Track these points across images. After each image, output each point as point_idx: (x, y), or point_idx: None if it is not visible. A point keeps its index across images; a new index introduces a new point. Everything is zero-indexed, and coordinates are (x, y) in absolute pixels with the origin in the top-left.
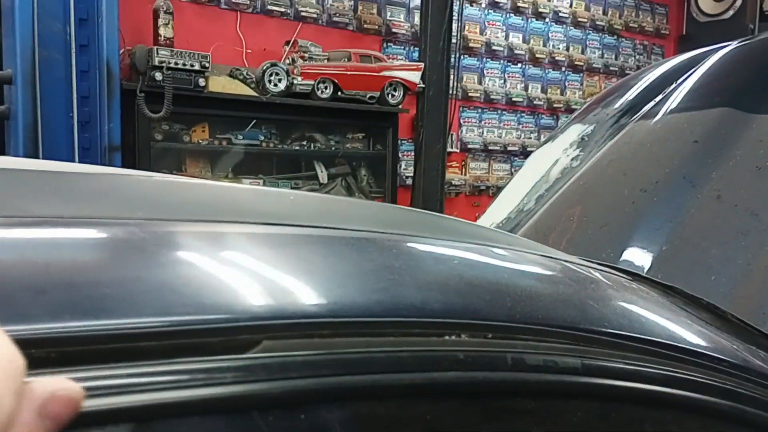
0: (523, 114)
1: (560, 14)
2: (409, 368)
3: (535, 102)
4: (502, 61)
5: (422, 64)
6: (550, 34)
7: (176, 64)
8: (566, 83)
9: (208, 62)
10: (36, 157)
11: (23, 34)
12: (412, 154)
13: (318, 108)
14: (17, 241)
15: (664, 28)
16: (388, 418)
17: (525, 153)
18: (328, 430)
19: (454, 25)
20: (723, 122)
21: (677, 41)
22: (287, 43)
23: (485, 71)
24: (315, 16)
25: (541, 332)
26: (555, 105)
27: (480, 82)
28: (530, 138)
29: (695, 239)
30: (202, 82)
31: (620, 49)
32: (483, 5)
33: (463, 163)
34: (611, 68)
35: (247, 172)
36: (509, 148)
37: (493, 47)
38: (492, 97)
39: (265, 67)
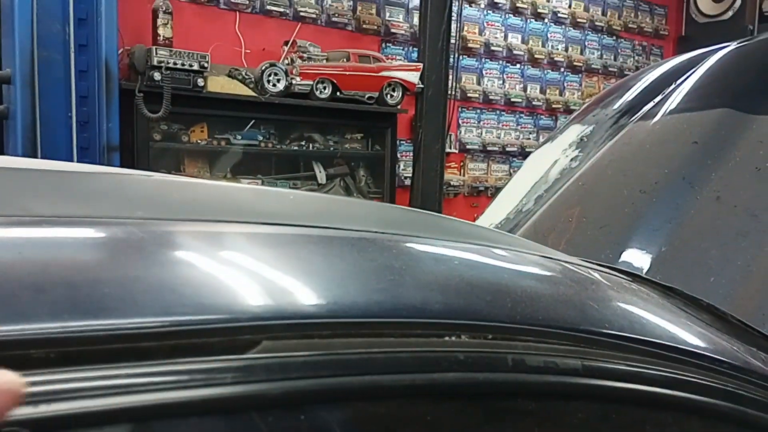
0: (521, 114)
1: (559, 15)
2: (409, 369)
3: (533, 102)
4: (500, 62)
5: (421, 65)
6: (548, 35)
7: (175, 64)
8: (565, 84)
9: (207, 62)
10: (35, 156)
11: (22, 33)
12: (411, 154)
13: (317, 108)
14: (17, 241)
15: (663, 29)
16: (388, 418)
17: (524, 153)
18: (327, 430)
19: (453, 26)
20: (722, 123)
21: (676, 42)
22: (286, 43)
23: (484, 72)
24: (314, 16)
25: (541, 333)
26: (554, 105)
27: (479, 83)
28: (529, 138)
29: (695, 240)
30: (200, 82)
31: (619, 50)
32: (482, 6)
33: (461, 163)
34: (610, 69)
35: (245, 172)
36: (508, 149)
37: (492, 48)
38: (491, 97)
39: (263, 67)
